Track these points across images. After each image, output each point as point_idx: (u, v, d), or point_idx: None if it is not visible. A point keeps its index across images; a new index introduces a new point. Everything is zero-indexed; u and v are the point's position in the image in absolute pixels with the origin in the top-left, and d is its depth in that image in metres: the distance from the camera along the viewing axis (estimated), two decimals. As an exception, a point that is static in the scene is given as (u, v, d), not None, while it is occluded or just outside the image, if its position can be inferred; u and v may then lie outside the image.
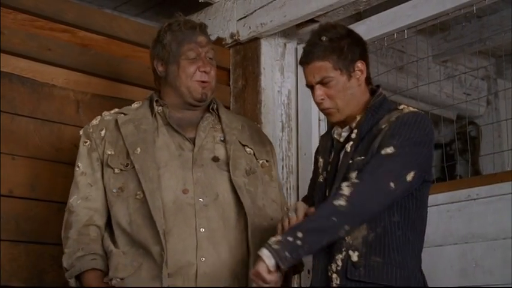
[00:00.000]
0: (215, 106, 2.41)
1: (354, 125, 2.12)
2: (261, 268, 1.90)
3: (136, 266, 2.17)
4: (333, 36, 2.10)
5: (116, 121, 2.33)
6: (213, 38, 3.02)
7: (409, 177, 1.98)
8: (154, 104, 2.36)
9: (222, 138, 2.34)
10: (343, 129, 2.16)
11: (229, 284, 2.18)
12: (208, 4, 3.33)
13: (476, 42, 3.99)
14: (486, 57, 4.23)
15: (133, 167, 2.23)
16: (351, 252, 1.99)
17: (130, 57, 2.99)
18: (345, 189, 1.95)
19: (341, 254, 2.00)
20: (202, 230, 2.18)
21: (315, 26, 3.04)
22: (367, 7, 2.95)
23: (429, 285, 2.08)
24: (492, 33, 3.80)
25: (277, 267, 1.90)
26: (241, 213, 2.23)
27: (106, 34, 2.93)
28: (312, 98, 2.16)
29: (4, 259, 2.50)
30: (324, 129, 2.92)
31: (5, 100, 2.59)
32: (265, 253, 1.91)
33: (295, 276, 2.76)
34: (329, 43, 2.08)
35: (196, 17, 3.27)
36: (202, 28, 2.38)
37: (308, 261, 2.29)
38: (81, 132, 2.38)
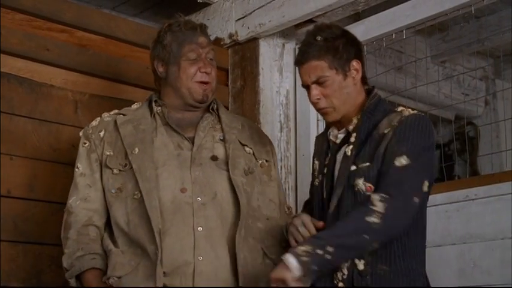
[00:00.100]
0: (215, 106, 2.41)
1: (351, 127, 2.12)
2: (287, 276, 1.89)
3: (134, 265, 2.17)
4: (328, 36, 2.10)
5: (115, 122, 2.34)
6: (211, 38, 3.01)
7: (425, 187, 2.00)
8: (153, 104, 2.36)
9: (222, 138, 2.34)
10: (340, 131, 2.16)
11: (227, 283, 2.17)
12: (207, 4, 3.33)
13: (475, 43, 3.99)
14: (484, 57, 4.23)
15: (132, 167, 2.23)
16: (356, 260, 1.99)
17: (129, 58, 2.99)
18: (378, 204, 1.93)
19: (347, 262, 2.00)
20: (200, 229, 2.18)
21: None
22: (365, 7, 2.95)
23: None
24: (490, 33, 3.80)
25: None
26: (238, 213, 2.23)
27: (104, 34, 2.92)
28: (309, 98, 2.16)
29: (3, 259, 2.49)
30: (322, 130, 2.92)
31: (3, 100, 2.59)
32: (293, 263, 1.89)
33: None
34: (324, 43, 2.09)
35: (195, 17, 3.27)
36: (202, 29, 2.38)
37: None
38: (80, 133, 2.39)
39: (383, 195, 1.95)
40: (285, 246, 2.28)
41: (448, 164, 4.00)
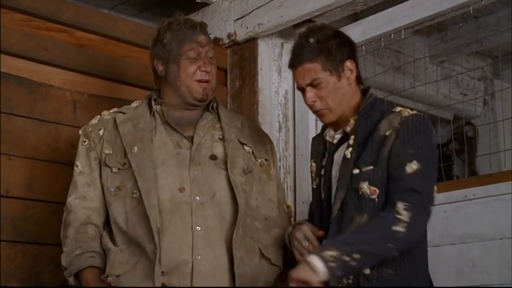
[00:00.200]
0: (215, 105, 2.41)
1: (348, 128, 2.11)
2: (313, 279, 1.87)
3: (132, 264, 2.17)
4: (320, 37, 2.10)
5: (115, 120, 2.34)
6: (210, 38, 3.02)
7: (434, 192, 2.02)
8: (153, 102, 2.36)
9: (221, 137, 2.34)
10: (337, 132, 2.16)
11: (225, 283, 2.18)
12: (206, 4, 3.33)
13: (473, 43, 3.99)
14: (483, 57, 4.23)
15: (131, 166, 2.23)
16: None
17: (128, 57, 2.98)
18: (404, 213, 1.93)
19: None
20: (198, 228, 2.18)
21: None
22: (364, 7, 2.95)
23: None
24: (489, 33, 3.80)
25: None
26: (236, 213, 2.23)
27: (103, 34, 2.92)
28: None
29: (2, 259, 2.49)
30: (320, 129, 2.93)
31: (1, 100, 2.59)
32: (320, 267, 1.88)
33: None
34: (317, 44, 2.08)
35: (194, 17, 3.26)
36: (202, 27, 2.38)
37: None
38: (80, 131, 2.39)
39: (406, 204, 1.94)
40: (283, 246, 2.29)
41: (446, 164, 4.00)
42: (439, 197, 2.67)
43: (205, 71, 2.32)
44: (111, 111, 2.40)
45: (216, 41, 3.21)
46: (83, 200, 2.28)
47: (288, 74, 3.24)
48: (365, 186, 2.02)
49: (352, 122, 2.11)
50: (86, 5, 3.25)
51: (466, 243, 2.60)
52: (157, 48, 2.36)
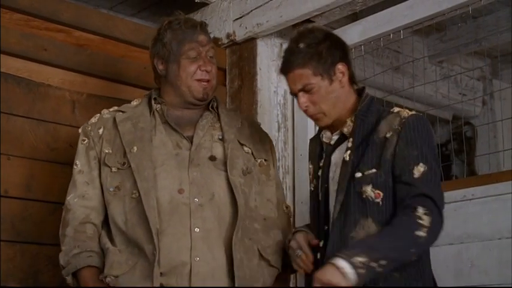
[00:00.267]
0: (215, 104, 2.40)
1: (345, 129, 2.11)
2: (342, 283, 1.86)
3: (131, 265, 2.17)
4: (310, 41, 2.08)
5: (114, 119, 2.33)
6: (209, 38, 3.02)
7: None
8: (153, 101, 2.35)
9: (221, 137, 2.33)
10: (334, 133, 2.15)
11: (223, 284, 2.17)
12: (205, 4, 3.33)
13: (472, 43, 4.00)
14: (482, 57, 4.23)
15: (130, 165, 2.23)
16: None
17: (126, 57, 2.98)
18: (425, 218, 1.93)
19: None
20: (196, 230, 2.18)
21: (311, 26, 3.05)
22: (363, 7, 2.95)
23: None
24: (488, 33, 3.80)
25: None
26: (235, 214, 2.23)
27: (102, 34, 2.92)
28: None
29: (1, 259, 2.49)
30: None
31: (0, 100, 2.59)
32: (350, 273, 1.87)
33: (292, 276, 2.76)
34: (307, 49, 2.07)
35: (193, 17, 3.26)
36: (202, 27, 2.37)
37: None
38: (80, 130, 2.38)
39: (426, 209, 1.95)
40: (282, 247, 2.29)
41: (445, 164, 4.00)
42: (438, 197, 2.68)
43: (205, 71, 2.31)
44: (111, 109, 2.40)
45: (215, 41, 3.20)
46: (82, 199, 2.28)
47: (287, 74, 3.25)
48: (369, 190, 2.01)
49: (349, 123, 2.10)
50: (85, 5, 3.25)
51: (464, 243, 2.60)
52: (158, 47, 2.35)
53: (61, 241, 2.27)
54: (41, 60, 2.72)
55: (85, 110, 2.77)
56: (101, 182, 2.28)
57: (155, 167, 2.22)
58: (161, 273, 2.13)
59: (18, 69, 2.67)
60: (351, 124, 2.10)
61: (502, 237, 2.52)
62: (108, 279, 2.17)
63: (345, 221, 2.03)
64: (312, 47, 2.07)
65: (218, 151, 2.30)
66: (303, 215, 2.95)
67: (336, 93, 2.09)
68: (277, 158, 3.00)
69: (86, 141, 2.34)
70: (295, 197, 3.13)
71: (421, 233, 1.92)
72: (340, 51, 2.11)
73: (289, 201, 3.06)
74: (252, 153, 2.36)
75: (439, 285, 2.12)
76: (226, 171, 2.26)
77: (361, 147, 2.05)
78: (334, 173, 2.12)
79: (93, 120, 2.37)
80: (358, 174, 2.03)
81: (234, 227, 2.20)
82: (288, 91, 3.22)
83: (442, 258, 2.64)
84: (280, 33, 3.22)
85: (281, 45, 3.25)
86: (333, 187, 2.11)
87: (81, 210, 2.27)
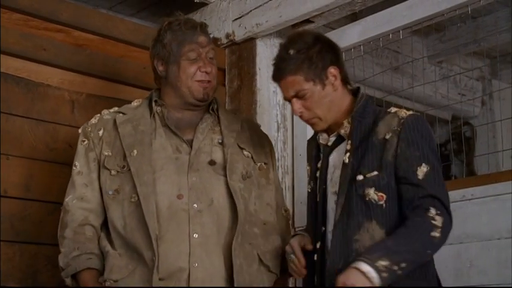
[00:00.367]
0: (215, 106, 2.39)
1: (342, 131, 2.11)
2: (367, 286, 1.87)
3: (131, 269, 2.17)
4: (300, 47, 2.07)
5: (115, 121, 2.32)
6: (208, 38, 3.02)
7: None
8: (153, 104, 2.34)
9: (220, 141, 2.32)
10: (331, 135, 2.15)
11: None
12: (204, 4, 3.32)
13: (471, 43, 4.00)
14: (481, 58, 4.23)
15: (130, 169, 2.22)
16: None
17: (126, 57, 2.98)
18: (438, 219, 1.94)
19: None
20: (195, 236, 2.17)
21: (311, 26, 3.05)
22: (362, 7, 2.95)
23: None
24: (487, 34, 3.80)
25: None
26: (235, 219, 2.22)
27: (101, 34, 2.92)
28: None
29: (1, 259, 2.49)
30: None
31: (0, 100, 2.58)
32: (375, 277, 1.87)
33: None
34: (297, 55, 2.06)
35: (192, 17, 3.26)
36: (203, 28, 2.36)
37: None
38: (79, 130, 2.38)
39: (438, 210, 1.95)
40: (281, 253, 2.29)
41: (444, 164, 4.00)
42: (437, 197, 2.68)
43: (205, 72, 2.31)
44: (112, 110, 2.39)
45: (214, 41, 3.20)
46: (81, 200, 2.28)
47: (286, 74, 3.24)
48: (372, 192, 2.00)
49: (346, 124, 2.10)
50: (84, 5, 3.25)
51: (464, 243, 2.60)
52: (158, 48, 2.34)
53: (60, 243, 2.26)
54: (40, 60, 2.72)
55: (84, 110, 2.77)
56: (100, 185, 2.28)
57: (155, 171, 2.22)
58: (160, 279, 2.13)
59: (18, 69, 2.67)
60: (348, 126, 2.09)
61: (501, 237, 2.52)
62: (107, 283, 2.17)
63: (347, 223, 2.02)
64: (302, 53, 2.06)
65: (218, 155, 2.29)
66: (302, 215, 2.94)
67: (329, 97, 2.09)
68: (276, 158, 3.01)
69: (85, 142, 2.33)
70: (295, 197, 3.13)
71: (436, 234, 1.93)
72: (331, 54, 2.10)
73: (288, 202, 3.06)
74: (252, 157, 2.35)
75: (438, 285, 2.12)
76: (225, 176, 2.25)
77: (360, 149, 2.05)
78: (333, 174, 2.12)
79: (93, 120, 2.37)
80: (360, 177, 2.02)
81: (233, 233, 2.20)
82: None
83: (441, 258, 2.62)
84: (280, 33, 3.21)
85: (280, 45, 3.24)
86: (331, 188, 2.11)
87: (79, 212, 2.27)
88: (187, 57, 2.31)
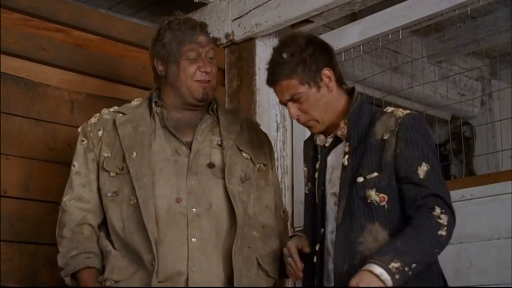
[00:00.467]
0: (215, 106, 2.38)
1: (339, 132, 2.11)
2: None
3: (132, 271, 2.17)
4: (293, 51, 2.07)
5: (114, 121, 2.32)
6: (208, 38, 3.01)
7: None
8: (153, 104, 2.34)
9: (219, 143, 2.31)
10: (328, 136, 2.14)
11: None
12: (203, 4, 3.32)
13: (471, 43, 4.00)
14: (480, 58, 4.23)
15: (129, 171, 2.22)
16: None
17: (125, 57, 2.98)
18: (443, 217, 1.95)
19: None
20: (193, 240, 2.17)
21: (310, 26, 3.05)
22: (362, 7, 2.95)
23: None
24: (486, 34, 3.80)
25: None
26: (233, 222, 2.22)
27: (101, 34, 2.92)
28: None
29: (1, 259, 2.49)
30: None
31: (-1, 100, 2.59)
32: (388, 280, 1.87)
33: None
34: (291, 58, 2.06)
35: (191, 17, 3.26)
36: (202, 27, 2.35)
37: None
38: (79, 129, 2.37)
39: (442, 208, 1.96)
40: (279, 256, 2.29)
41: (444, 164, 4.00)
42: (436, 197, 2.67)
43: (205, 72, 2.30)
44: (111, 109, 2.38)
45: (214, 41, 3.20)
46: (78, 201, 2.28)
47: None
48: (373, 194, 2.00)
49: (342, 125, 2.10)
50: (84, 4, 3.25)
51: (463, 243, 2.60)
52: (157, 47, 2.33)
53: (58, 242, 2.26)
54: (39, 60, 2.72)
55: (84, 109, 2.77)
56: (100, 187, 2.27)
57: (154, 173, 2.21)
58: (159, 282, 2.13)
59: (17, 69, 2.67)
60: (345, 127, 2.09)
61: (501, 237, 2.52)
62: (108, 283, 2.17)
63: (350, 226, 2.02)
64: (296, 56, 2.06)
65: (216, 158, 2.28)
66: (301, 215, 2.92)
67: (325, 99, 2.09)
68: (276, 157, 3.01)
69: (84, 142, 2.33)
70: (294, 197, 3.13)
71: (443, 232, 1.94)
72: (324, 55, 2.10)
73: (287, 201, 3.06)
74: (251, 159, 2.34)
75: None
76: (224, 179, 2.24)
77: (359, 151, 2.05)
78: (331, 175, 2.12)
79: (93, 120, 2.36)
80: (360, 179, 2.02)
81: (232, 237, 2.20)
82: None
83: (440, 258, 2.63)
84: (279, 33, 3.21)
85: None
86: (329, 190, 2.11)
87: (77, 211, 2.26)
88: (187, 57, 2.30)
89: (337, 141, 2.12)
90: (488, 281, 2.53)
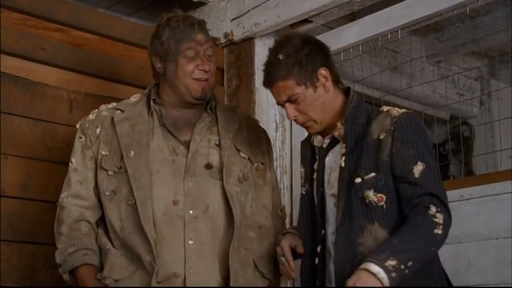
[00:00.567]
0: (213, 104, 2.37)
1: (336, 133, 2.10)
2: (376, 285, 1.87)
3: (131, 271, 2.17)
4: (289, 51, 2.06)
5: (112, 119, 2.31)
6: (207, 37, 3.01)
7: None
8: (152, 102, 2.33)
9: (217, 142, 2.30)
10: (325, 137, 2.14)
11: None
12: (202, 4, 3.32)
13: (470, 43, 4.00)
14: (479, 57, 4.23)
15: (126, 170, 2.21)
16: None
17: (124, 57, 2.98)
18: (439, 216, 1.95)
19: None
20: (190, 242, 2.17)
21: (309, 26, 3.05)
22: (361, 7, 2.95)
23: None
24: (485, 33, 3.81)
25: None
26: (230, 224, 2.21)
27: (99, 33, 2.92)
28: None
29: (1, 259, 2.49)
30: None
31: (-2, 99, 2.59)
32: (385, 278, 1.87)
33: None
34: (287, 59, 2.05)
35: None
36: (201, 25, 2.34)
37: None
38: (77, 125, 2.37)
39: (438, 207, 1.96)
40: (275, 257, 2.27)
41: (442, 163, 4.01)
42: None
43: (203, 70, 2.29)
44: (110, 106, 2.37)
45: (213, 41, 3.19)
46: (76, 198, 2.27)
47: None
48: (371, 194, 2.00)
49: (339, 126, 2.10)
50: (82, 4, 3.24)
51: (462, 242, 2.60)
52: (156, 45, 2.32)
53: (56, 239, 2.26)
54: (38, 59, 2.72)
55: (82, 109, 2.76)
56: (98, 185, 2.27)
57: (151, 173, 2.21)
58: (157, 282, 2.13)
59: (16, 69, 2.67)
60: (342, 127, 2.09)
61: (499, 237, 2.52)
62: (107, 281, 2.17)
63: (350, 227, 2.02)
64: (292, 57, 2.05)
65: (214, 158, 2.27)
66: (300, 215, 2.95)
67: (321, 99, 2.08)
68: (275, 157, 3.01)
69: (82, 139, 2.32)
70: (293, 196, 3.13)
71: (439, 231, 1.94)
72: (320, 55, 2.09)
73: (286, 201, 3.06)
74: (249, 158, 2.34)
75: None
76: (222, 180, 2.24)
77: (356, 151, 2.05)
78: (329, 176, 2.11)
79: (91, 116, 2.35)
80: (358, 180, 2.02)
81: (228, 238, 2.20)
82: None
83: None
84: (278, 33, 3.20)
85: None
86: (328, 191, 2.11)
87: (75, 208, 2.26)
88: (185, 55, 2.29)
89: (334, 142, 2.12)
90: (487, 281, 2.53)
